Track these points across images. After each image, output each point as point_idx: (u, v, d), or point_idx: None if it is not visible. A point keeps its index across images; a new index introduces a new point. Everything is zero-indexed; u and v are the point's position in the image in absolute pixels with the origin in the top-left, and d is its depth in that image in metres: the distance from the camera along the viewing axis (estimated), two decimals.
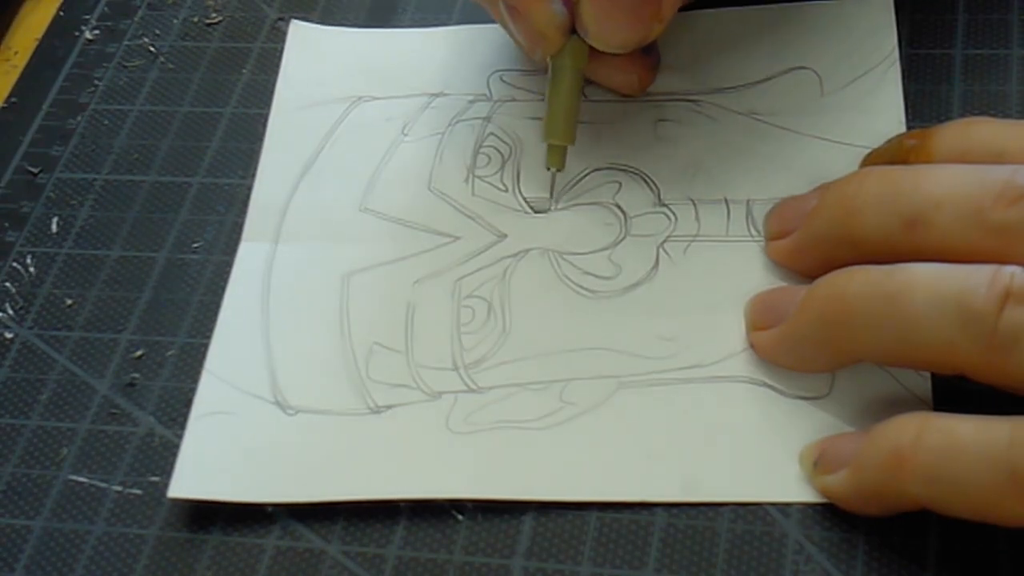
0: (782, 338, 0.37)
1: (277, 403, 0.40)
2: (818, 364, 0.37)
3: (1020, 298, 0.32)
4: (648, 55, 0.43)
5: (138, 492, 0.39)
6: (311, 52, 0.49)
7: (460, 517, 0.37)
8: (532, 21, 0.40)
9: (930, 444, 0.32)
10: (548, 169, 0.42)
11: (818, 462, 0.36)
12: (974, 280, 0.32)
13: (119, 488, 0.39)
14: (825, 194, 0.38)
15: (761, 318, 0.38)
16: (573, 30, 0.41)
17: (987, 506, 0.32)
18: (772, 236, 0.40)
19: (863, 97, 0.43)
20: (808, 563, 0.35)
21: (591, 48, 0.41)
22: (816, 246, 0.38)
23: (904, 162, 0.37)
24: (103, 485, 0.39)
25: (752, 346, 0.38)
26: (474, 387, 0.39)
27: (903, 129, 0.42)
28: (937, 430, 0.32)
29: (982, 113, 0.42)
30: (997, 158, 0.35)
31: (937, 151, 0.37)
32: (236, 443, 0.39)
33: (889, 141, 0.39)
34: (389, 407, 0.39)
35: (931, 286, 0.33)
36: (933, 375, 0.37)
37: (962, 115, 0.42)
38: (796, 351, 0.37)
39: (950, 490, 0.32)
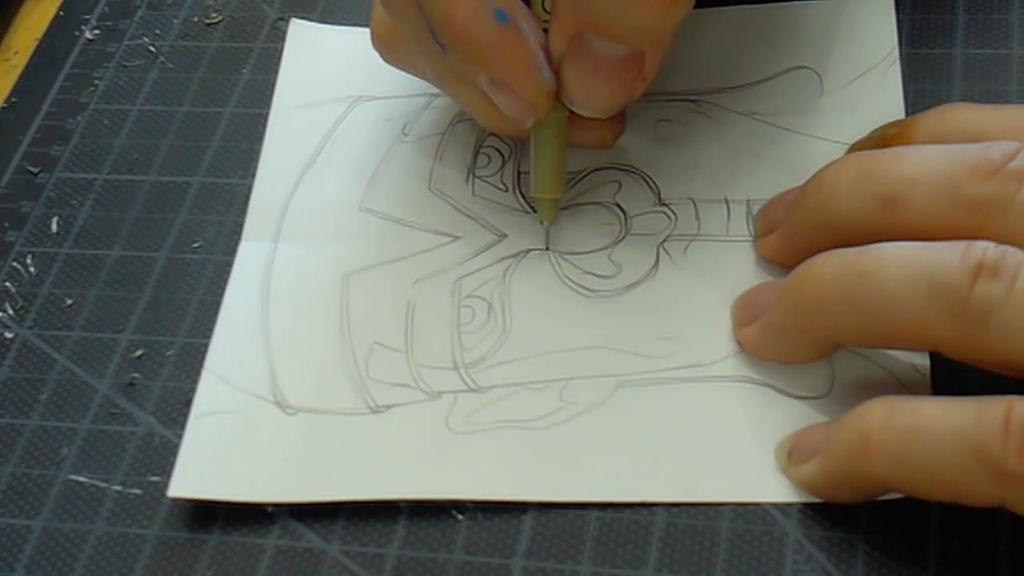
0: (764, 329, 0.37)
1: (277, 402, 0.40)
2: (802, 353, 0.37)
3: (993, 271, 0.32)
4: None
5: (138, 492, 0.39)
6: (311, 51, 0.49)
7: (460, 517, 0.37)
8: (522, 93, 0.39)
9: (897, 426, 0.33)
10: (541, 223, 0.42)
11: (791, 453, 0.36)
12: (946, 255, 0.32)
13: (119, 488, 0.39)
14: (806, 184, 0.38)
15: (744, 314, 0.38)
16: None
17: (955, 487, 0.32)
18: (760, 233, 0.40)
19: (863, 97, 0.43)
20: (808, 563, 0.35)
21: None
22: (799, 237, 0.38)
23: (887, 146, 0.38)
24: (103, 485, 0.39)
25: (739, 343, 0.38)
26: (474, 387, 0.39)
27: None
28: (904, 412, 0.33)
29: None
30: (975, 139, 0.35)
31: (917, 137, 0.37)
32: (236, 442, 0.39)
33: (872, 132, 0.40)
34: (389, 407, 0.39)
35: (903, 262, 0.33)
36: (933, 375, 0.37)
37: None
38: (779, 341, 0.37)
39: (918, 471, 0.32)
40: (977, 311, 0.32)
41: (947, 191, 0.34)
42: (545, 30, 0.39)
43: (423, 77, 0.43)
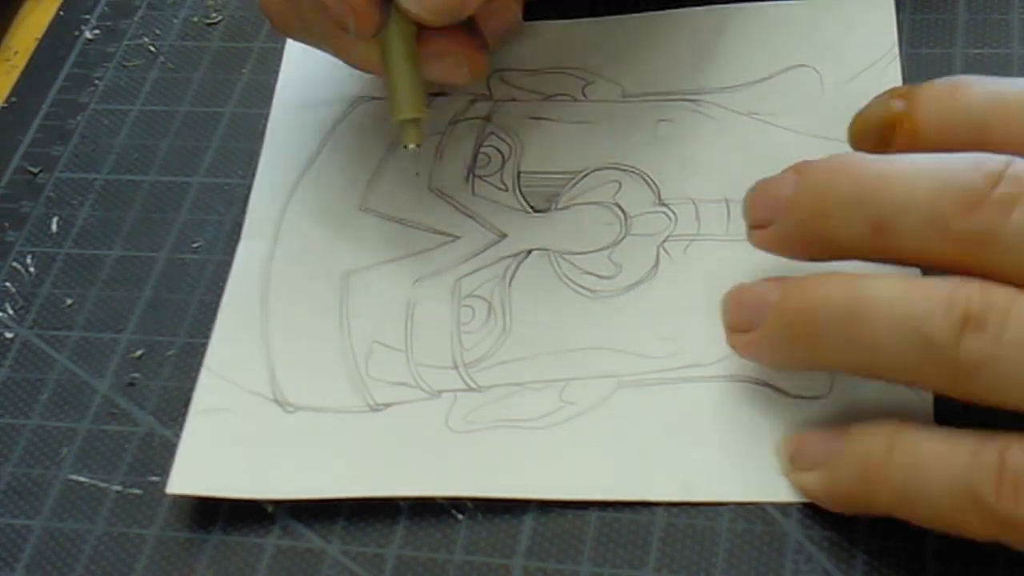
0: (758, 345, 0.37)
1: (276, 400, 0.40)
2: (799, 368, 0.37)
3: (979, 322, 0.31)
4: (472, 35, 0.41)
5: (138, 492, 0.39)
6: (312, 51, 0.48)
7: (460, 517, 0.37)
8: None
9: (897, 461, 0.33)
10: (405, 147, 0.41)
11: (794, 458, 0.36)
12: (932, 303, 0.32)
13: (119, 488, 0.39)
14: (798, 187, 0.36)
15: (736, 319, 0.37)
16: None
17: (951, 523, 0.32)
18: (752, 224, 0.39)
19: (863, 95, 0.43)
20: (808, 563, 0.35)
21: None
22: (793, 242, 0.37)
23: (891, 131, 0.37)
24: (103, 485, 0.39)
25: (732, 347, 0.38)
26: (474, 386, 0.39)
27: None
28: (905, 447, 0.33)
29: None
30: (981, 130, 0.34)
31: (924, 122, 0.36)
32: (235, 440, 0.39)
33: (875, 101, 0.38)
34: (388, 405, 0.39)
35: (891, 308, 0.32)
36: None
37: None
38: (773, 358, 0.37)
39: (917, 507, 0.33)
40: (966, 366, 0.31)
41: (935, 222, 0.33)
42: None
43: (306, 40, 0.43)
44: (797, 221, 0.36)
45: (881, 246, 0.34)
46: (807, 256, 0.36)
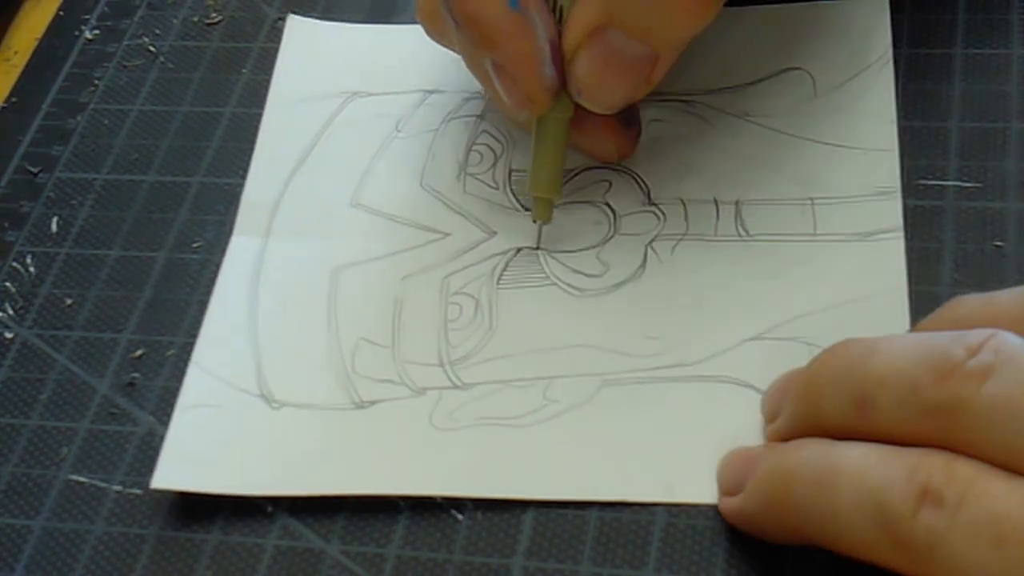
0: (739, 513, 0.35)
1: (262, 396, 0.40)
2: (781, 539, 0.35)
3: (937, 498, 0.30)
4: (629, 126, 0.42)
5: (138, 492, 0.39)
6: (308, 47, 0.49)
7: (460, 517, 0.37)
8: (522, 83, 0.39)
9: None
10: (534, 222, 0.42)
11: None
12: (894, 472, 0.31)
13: (119, 488, 0.39)
14: (803, 373, 0.36)
15: (726, 483, 0.36)
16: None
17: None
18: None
19: (856, 98, 0.43)
20: (808, 563, 0.35)
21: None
22: (794, 432, 0.35)
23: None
24: (103, 485, 0.40)
25: (721, 513, 0.36)
26: (459, 383, 0.39)
27: (894, 130, 0.41)
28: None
29: (981, 112, 0.42)
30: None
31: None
32: (221, 435, 0.39)
33: None
34: (374, 402, 0.39)
35: (854, 478, 0.31)
36: None
37: (962, 115, 0.42)
38: (754, 523, 0.35)
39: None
40: (920, 544, 0.30)
41: (910, 395, 0.31)
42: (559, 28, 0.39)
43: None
44: (798, 401, 0.35)
45: (863, 423, 0.32)
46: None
